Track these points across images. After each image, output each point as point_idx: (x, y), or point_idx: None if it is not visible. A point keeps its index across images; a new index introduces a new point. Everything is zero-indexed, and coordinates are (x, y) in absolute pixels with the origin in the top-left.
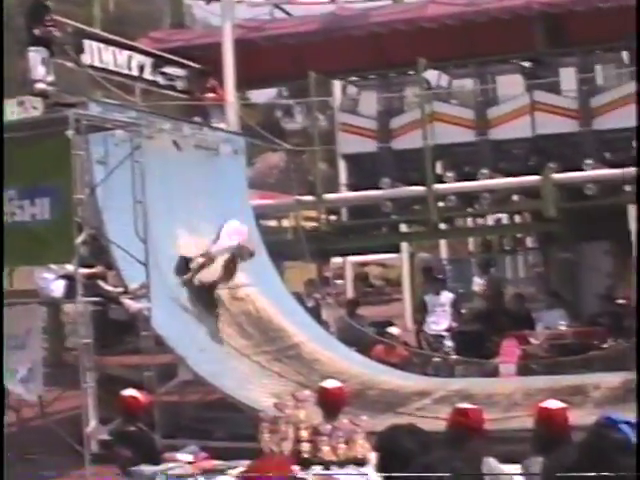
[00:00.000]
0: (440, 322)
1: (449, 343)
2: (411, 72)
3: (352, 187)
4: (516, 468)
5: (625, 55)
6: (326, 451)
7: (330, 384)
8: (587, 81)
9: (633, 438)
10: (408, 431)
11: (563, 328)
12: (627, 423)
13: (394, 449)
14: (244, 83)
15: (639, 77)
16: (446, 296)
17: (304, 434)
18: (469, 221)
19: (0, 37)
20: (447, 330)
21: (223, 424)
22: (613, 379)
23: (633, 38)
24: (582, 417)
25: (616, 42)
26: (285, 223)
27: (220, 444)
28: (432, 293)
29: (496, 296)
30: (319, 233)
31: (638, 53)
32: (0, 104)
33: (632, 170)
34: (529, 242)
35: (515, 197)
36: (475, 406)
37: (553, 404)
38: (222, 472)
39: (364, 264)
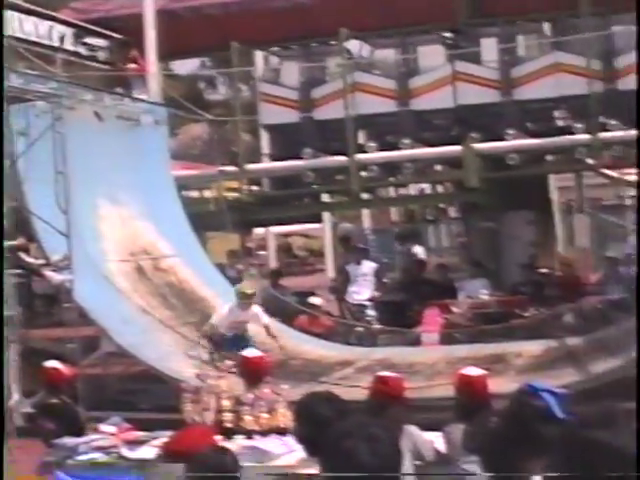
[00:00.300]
0: (362, 292)
1: (372, 312)
2: (333, 42)
3: (274, 157)
4: (437, 435)
5: (546, 26)
6: (248, 421)
7: (251, 354)
8: (508, 51)
9: (554, 406)
10: (325, 398)
11: (485, 297)
12: (548, 391)
13: (310, 416)
14: (167, 54)
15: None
16: (368, 266)
17: (226, 404)
18: (391, 191)
19: (0, 38)
20: (369, 300)
21: (146, 396)
22: (534, 347)
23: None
24: (503, 385)
25: (537, 13)
26: (207, 194)
27: (143, 415)
28: (354, 263)
29: (417, 265)
30: (241, 204)
31: (638, 51)
32: (0, 101)
33: (553, 140)
34: (452, 212)
35: (438, 167)
36: (396, 374)
37: (473, 371)
38: (145, 443)
39: (287, 235)
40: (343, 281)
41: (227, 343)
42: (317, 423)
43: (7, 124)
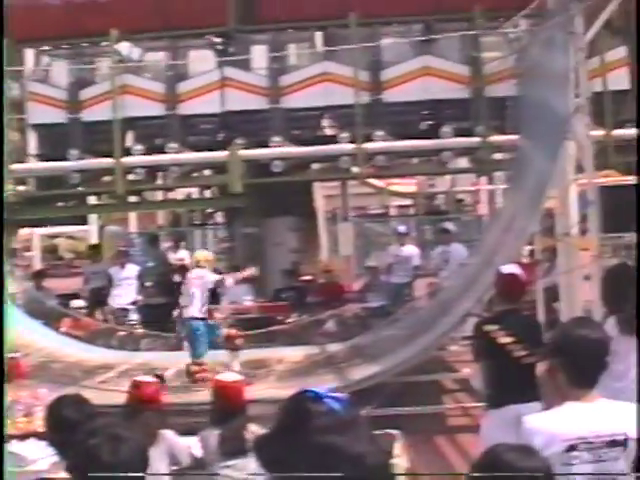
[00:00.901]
0: (125, 295)
1: (134, 316)
2: (104, 43)
3: (41, 158)
4: (194, 440)
5: (318, 35)
6: (5, 425)
7: (8, 356)
8: (278, 59)
9: (338, 408)
10: (73, 401)
11: (248, 303)
12: (329, 396)
13: (58, 419)
14: None
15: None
16: (131, 269)
17: None
18: (159, 194)
19: (0, 40)
20: (132, 303)
21: None
22: (295, 353)
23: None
24: (265, 390)
25: (309, 22)
26: None
27: None
28: (117, 266)
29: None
30: (7, 204)
31: (638, 50)
32: (0, 107)
33: (318, 148)
34: (218, 217)
35: (206, 172)
36: (151, 379)
37: (229, 377)
38: None
39: (53, 236)
40: (107, 285)
41: None
42: (65, 426)
43: None
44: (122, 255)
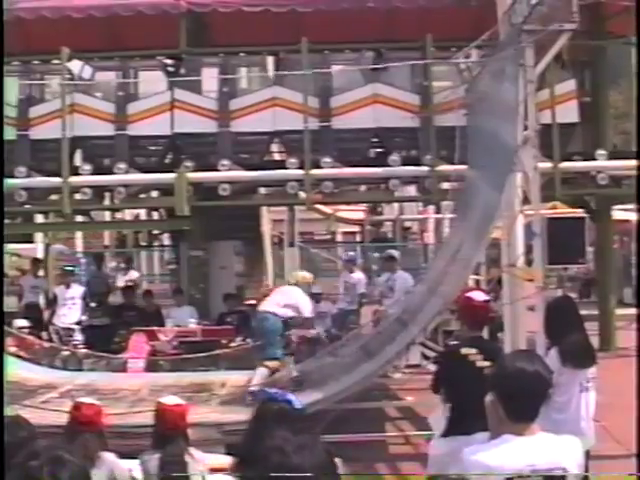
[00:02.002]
0: (70, 315)
1: (79, 336)
2: (55, 61)
3: None
4: (135, 463)
5: (269, 59)
6: None
7: None
8: (228, 83)
9: (295, 402)
10: (12, 422)
11: (192, 326)
12: (283, 397)
13: None
14: None
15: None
16: (77, 289)
17: None
18: (106, 215)
19: (1, 40)
20: (77, 323)
21: None
22: (239, 377)
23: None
24: (207, 414)
25: (260, 46)
26: None
27: None
28: (63, 286)
29: (125, 291)
30: None
31: (639, 53)
32: (0, 104)
33: (266, 173)
34: (165, 239)
35: (154, 193)
36: (92, 401)
37: (171, 400)
38: None
39: None
40: (52, 304)
41: None
42: (5, 446)
43: None
44: (67, 275)
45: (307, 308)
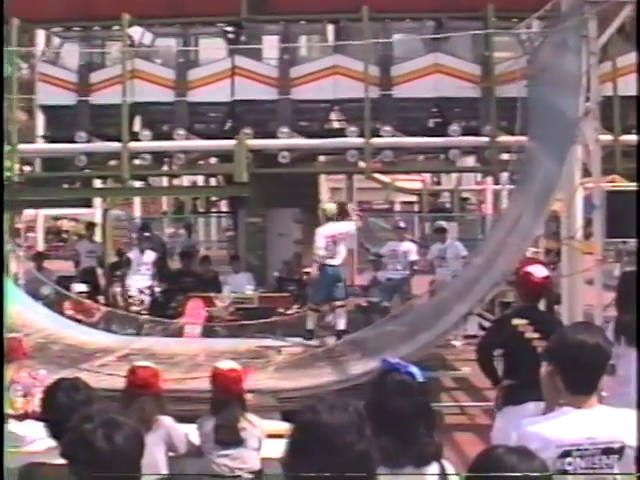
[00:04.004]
0: (143, 280)
1: (147, 301)
2: (116, 27)
3: (48, 139)
4: (192, 427)
5: (329, 28)
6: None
7: (9, 336)
8: (289, 50)
9: (417, 374)
10: (71, 385)
11: (249, 292)
12: (405, 368)
13: (55, 403)
14: None
15: None
16: (150, 255)
17: None
18: (164, 181)
19: (0, 39)
20: (148, 288)
21: None
22: (295, 345)
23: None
24: (263, 380)
25: (321, 14)
26: None
27: None
28: (137, 251)
29: (183, 257)
30: (12, 183)
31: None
32: (0, 106)
33: (326, 141)
34: (223, 205)
35: (213, 160)
36: (149, 365)
37: (227, 365)
38: None
39: (57, 218)
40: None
41: None
42: (61, 410)
43: None
44: (144, 240)
45: (351, 228)
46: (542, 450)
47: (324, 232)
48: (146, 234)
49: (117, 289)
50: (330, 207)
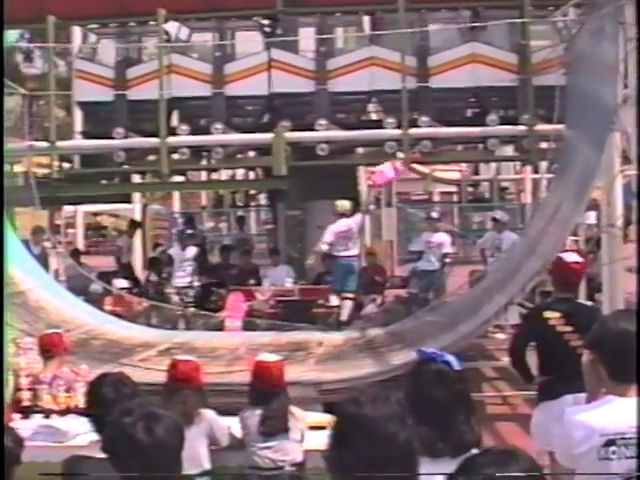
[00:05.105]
0: (186, 276)
1: (190, 296)
2: (152, 23)
3: (87, 135)
4: (233, 420)
5: (365, 19)
6: (46, 399)
7: (51, 331)
8: (325, 42)
9: (454, 363)
10: (115, 380)
11: (289, 285)
12: (441, 357)
13: (99, 397)
14: None
15: None
16: (192, 251)
17: (24, 382)
18: (203, 175)
19: (0, 38)
20: (189, 283)
21: None
22: (335, 337)
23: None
24: (304, 373)
25: (356, 5)
26: (17, 168)
27: None
28: (178, 247)
29: (223, 250)
30: (51, 180)
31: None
32: (0, 103)
33: (364, 133)
34: (262, 199)
35: (251, 153)
36: (190, 359)
37: (269, 358)
38: None
39: (96, 214)
40: (165, 265)
41: None
42: (104, 404)
43: None
44: (186, 237)
45: (359, 223)
46: (586, 439)
47: (333, 228)
48: (190, 230)
49: (156, 283)
50: (342, 204)
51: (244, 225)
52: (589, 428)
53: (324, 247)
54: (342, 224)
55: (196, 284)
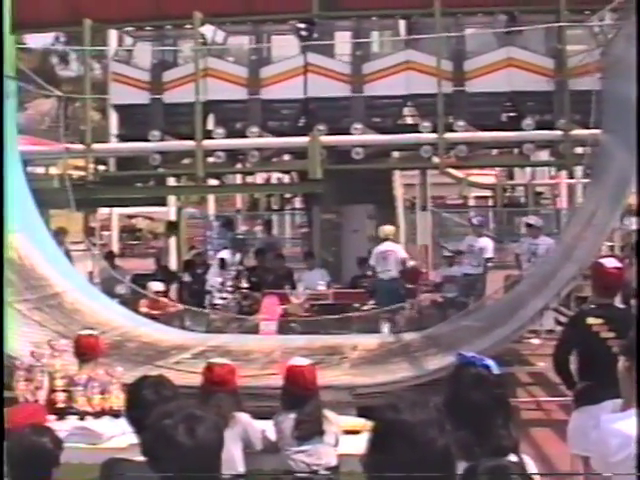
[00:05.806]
0: (232, 279)
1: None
2: (188, 26)
3: (122, 138)
4: (268, 424)
5: (401, 23)
6: (81, 401)
7: (87, 333)
8: (361, 46)
9: (492, 366)
10: (155, 382)
11: (323, 289)
12: (480, 361)
13: (139, 398)
14: (19, 27)
15: None
16: (225, 253)
17: (59, 383)
18: (238, 178)
19: (0, 39)
20: (221, 285)
21: None
22: (370, 341)
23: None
24: (338, 377)
25: (392, 9)
26: (53, 171)
27: None
28: (230, 252)
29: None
30: (86, 183)
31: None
32: (0, 103)
33: (399, 137)
34: (296, 202)
35: (286, 157)
36: (225, 362)
37: (302, 362)
38: None
39: (132, 216)
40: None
41: None
42: (145, 405)
43: None
44: (239, 242)
45: (402, 253)
46: (622, 447)
47: (376, 249)
48: (230, 233)
49: (192, 286)
50: (387, 229)
51: (271, 228)
52: (625, 436)
53: (372, 263)
54: (382, 247)
55: (244, 286)
